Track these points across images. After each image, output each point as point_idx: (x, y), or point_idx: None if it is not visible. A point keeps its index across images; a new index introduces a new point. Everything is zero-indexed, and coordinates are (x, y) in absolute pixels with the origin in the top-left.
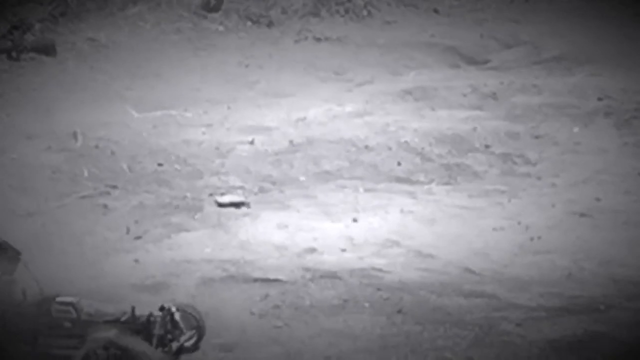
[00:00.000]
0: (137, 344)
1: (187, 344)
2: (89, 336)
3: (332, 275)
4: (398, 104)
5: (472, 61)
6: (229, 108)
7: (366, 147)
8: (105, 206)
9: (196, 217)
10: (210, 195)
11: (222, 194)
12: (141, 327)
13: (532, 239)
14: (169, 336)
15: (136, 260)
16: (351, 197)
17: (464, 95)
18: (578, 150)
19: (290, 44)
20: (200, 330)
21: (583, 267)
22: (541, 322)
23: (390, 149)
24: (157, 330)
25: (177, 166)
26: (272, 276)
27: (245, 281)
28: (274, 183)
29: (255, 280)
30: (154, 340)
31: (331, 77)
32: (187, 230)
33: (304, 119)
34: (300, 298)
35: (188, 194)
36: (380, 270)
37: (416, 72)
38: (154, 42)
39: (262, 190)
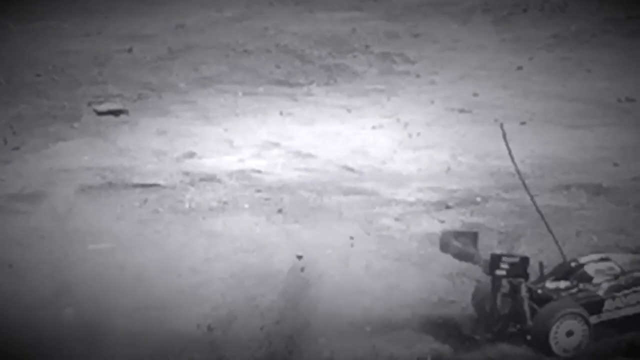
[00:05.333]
0: None
1: None
2: None
3: (211, 178)
4: (277, 8)
5: None
6: (106, 17)
7: (245, 51)
8: None
9: (75, 126)
10: (89, 104)
11: (101, 103)
12: None
13: (410, 135)
14: None
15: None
16: (230, 101)
17: None
18: (456, 47)
19: None
20: None
21: (461, 161)
22: (420, 216)
23: (269, 52)
24: None
25: (55, 76)
26: (150, 181)
27: (124, 187)
28: (152, 90)
29: (134, 186)
30: None
31: None
32: (65, 140)
33: (183, 25)
34: (179, 202)
35: (66, 104)
36: (259, 171)
37: None
38: None
39: (140, 97)
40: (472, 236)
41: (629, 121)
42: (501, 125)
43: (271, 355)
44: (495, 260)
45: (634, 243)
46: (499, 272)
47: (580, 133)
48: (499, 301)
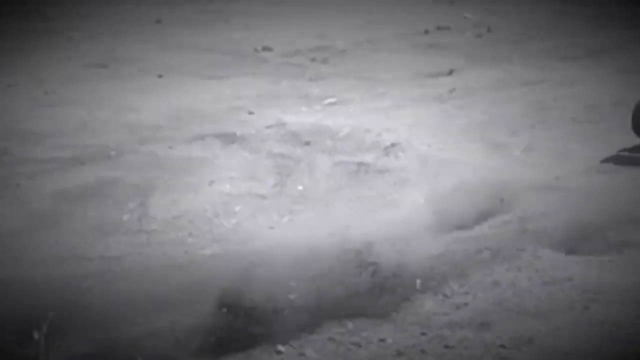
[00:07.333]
0: None
1: None
2: None
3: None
4: None
5: None
6: None
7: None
8: None
9: None
10: None
11: None
12: None
13: (46, 92)
14: None
15: None
16: None
17: None
18: (93, 2)
19: None
20: None
21: (96, 116)
22: (53, 174)
23: None
24: None
25: None
26: None
27: None
28: None
29: None
30: None
31: None
32: None
33: None
34: None
35: None
36: None
37: None
38: None
39: None
40: None
41: (265, 70)
42: None
43: None
44: None
45: (265, 189)
46: None
47: (216, 83)
48: None
